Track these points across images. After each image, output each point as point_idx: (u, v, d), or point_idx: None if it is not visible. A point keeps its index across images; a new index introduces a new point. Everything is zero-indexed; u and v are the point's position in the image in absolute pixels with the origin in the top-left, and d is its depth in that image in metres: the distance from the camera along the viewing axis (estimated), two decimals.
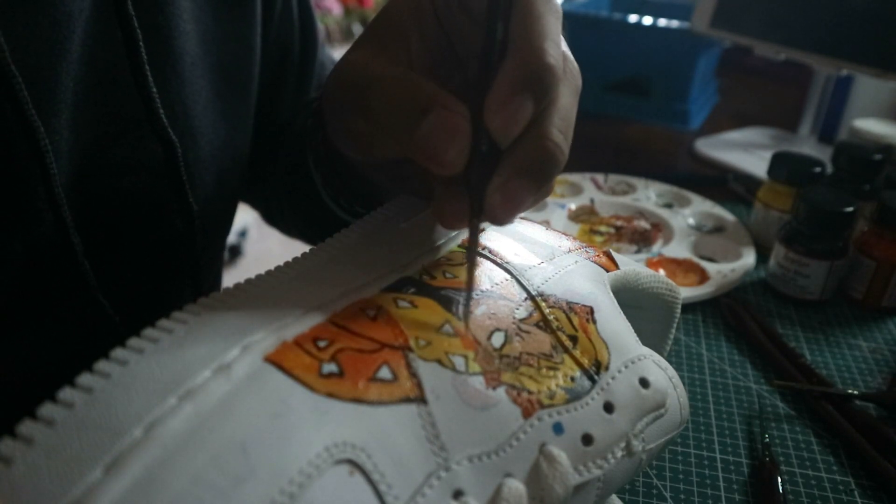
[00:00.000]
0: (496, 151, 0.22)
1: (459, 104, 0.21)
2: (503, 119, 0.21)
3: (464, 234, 0.27)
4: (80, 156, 0.31)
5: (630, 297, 0.29)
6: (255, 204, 0.53)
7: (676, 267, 0.54)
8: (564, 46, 0.24)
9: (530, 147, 0.22)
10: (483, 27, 0.22)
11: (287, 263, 0.24)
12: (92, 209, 0.32)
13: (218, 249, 0.44)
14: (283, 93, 0.46)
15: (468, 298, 0.23)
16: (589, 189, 0.67)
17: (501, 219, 0.22)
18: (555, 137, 0.22)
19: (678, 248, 0.56)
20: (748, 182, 0.70)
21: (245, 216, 0.55)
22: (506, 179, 0.21)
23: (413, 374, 0.20)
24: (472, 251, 0.23)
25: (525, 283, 0.25)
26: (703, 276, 0.52)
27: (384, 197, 0.30)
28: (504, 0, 0.22)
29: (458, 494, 0.19)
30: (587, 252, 0.29)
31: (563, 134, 0.22)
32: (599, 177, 0.69)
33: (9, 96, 0.26)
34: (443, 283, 0.24)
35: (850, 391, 0.40)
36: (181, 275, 0.38)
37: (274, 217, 0.52)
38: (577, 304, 0.25)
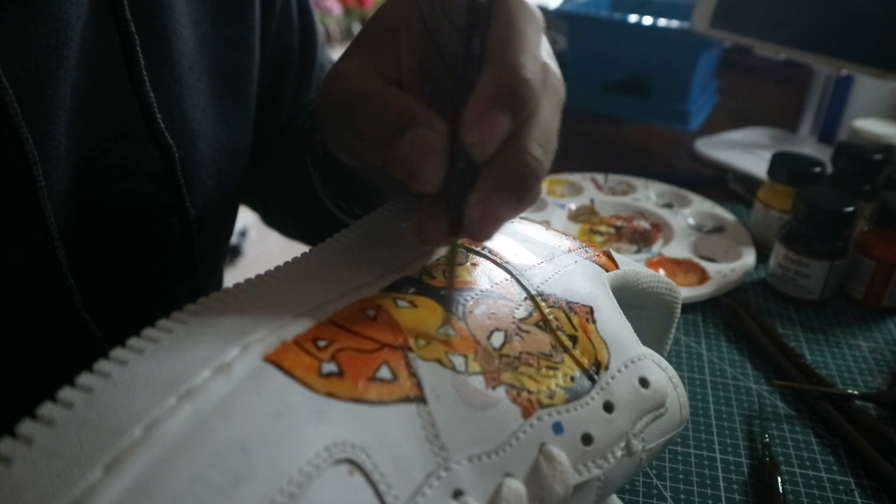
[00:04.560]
0: (475, 167, 0.21)
1: (438, 121, 0.21)
2: (479, 135, 0.20)
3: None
4: (79, 162, 0.31)
5: (630, 297, 0.29)
6: (254, 206, 0.53)
7: (676, 267, 0.54)
8: (548, 58, 0.24)
9: (509, 161, 0.21)
10: (462, 39, 0.22)
11: (287, 263, 0.24)
12: (90, 215, 0.32)
13: (219, 253, 0.44)
14: (282, 95, 0.46)
15: (451, 297, 0.23)
16: (589, 189, 0.67)
17: (481, 235, 0.22)
18: (533, 151, 0.21)
19: (678, 248, 0.56)
20: (748, 182, 0.70)
21: (245, 216, 0.55)
22: (485, 195, 0.21)
23: (413, 374, 0.20)
24: (452, 269, 0.23)
25: (525, 282, 0.25)
26: (703, 276, 0.52)
27: (383, 198, 0.30)
28: (481, 14, 0.21)
29: (457, 494, 0.19)
30: (587, 252, 0.29)
31: (543, 147, 0.22)
32: (599, 177, 0.69)
33: None
34: (443, 283, 0.24)
35: (850, 391, 0.40)
36: (179, 281, 0.38)
37: (273, 219, 0.51)
38: (576, 303, 0.25)
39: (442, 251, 0.26)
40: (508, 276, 0.25)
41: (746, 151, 0.79)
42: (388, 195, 0.31)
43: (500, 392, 0.21)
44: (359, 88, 0.23)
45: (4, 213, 0.28)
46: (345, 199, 0.36)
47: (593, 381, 0.23)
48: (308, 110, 0.42)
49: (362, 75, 0.24)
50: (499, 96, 0.20)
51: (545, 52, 0.24)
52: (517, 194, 0.22)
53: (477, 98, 0.21)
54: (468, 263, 0.25)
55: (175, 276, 0.37)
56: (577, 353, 0.24)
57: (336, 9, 2.31)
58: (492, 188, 0.21)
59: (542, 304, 0.25)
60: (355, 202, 0.36)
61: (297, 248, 0.30)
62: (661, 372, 0.25)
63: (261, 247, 1.93)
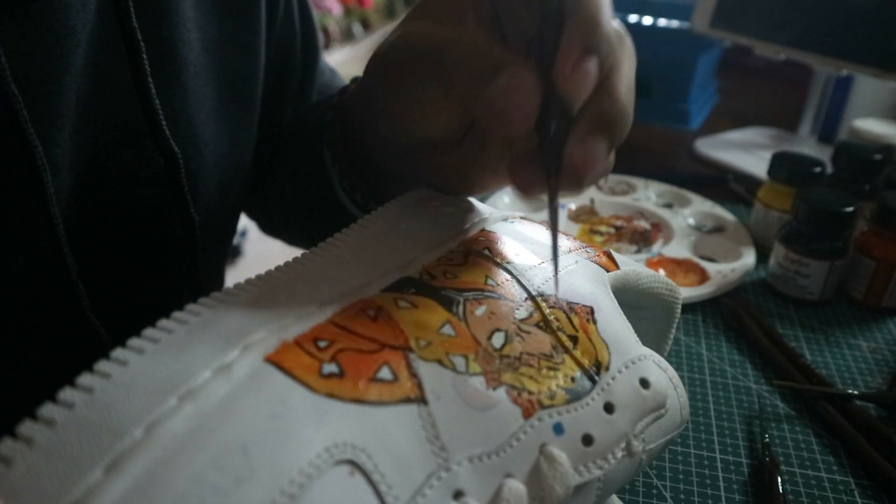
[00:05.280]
0: (567, 115, 0.23)
1: (529, 66, 0.22)
2: (574, 82, 0.21)
3: (463, 234, 0.27)
4: (82, 167, 0.30)
5: (630, 297, 0.29)
6: (252, 213, 0.52)
7: (676, 267, 0.54)
8: (617, 24, 0.25)
9: (602, 104, 0.23)
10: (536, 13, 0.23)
11: (287, 263, 0.24)
12: (93, 221, 0.32)
13: (220, 258, 0.44)
14: (284, 99, 0.46)
15: (556, 262, 0.25)
16: (589, 189, 0.67)
17: (581, 174, 0.22)
18: (623, 97, 0.23)
19: (678, 248, 0.56)
20: (748, 182, 0.70)
21: (246, 216, 0.55)
22: (582, 136, 0.22)
23: (413, 375, 0.20)
24: (553, 211, 0.24)
25: (525, 283, 0.25)
26: (703, 276, 0.52)
27: (400, 191, 0.30)
28: None
29: (458, 495, 0.19)
30: (587, 252, 0.29)
31: (628, 95, 0.23)
32: None
33: (8, 114, 0.25)
34: (443, 283, 0.24)
35: (850, 391, 0.40)
36: (182, 287, 0.38)
37: (275, 223, 0.51)
38: (577, 304, 0.25)
39: (442, 251, 0.26)
40: (509, 277, 0.25)
41: (746, 151, 0.79)
42: (406, 188, 0.31)
43: (501, 393, 0.21)
44: (449, 35, 0.24)
45: (12, 220, 0.28)
46: (363, 193, 0.36)
47: (594, 381, 0.23)
48: (324, 107, 0.42)
49: (443, 25, 0.25)
50: (588, 44, 0.22)
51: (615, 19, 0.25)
52: (612, 135, 0.23)
53: (567, 47, 0.22)
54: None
55: (178, 280, 0.37)
56: (577, 353, 0.24)
57: (336, 9, 2.31)
58: (589, 129, 0.22)
59: (543, 304, 0.25)
60: (373, 196, 0.36)
61: (297, 249, 0.30)
62: (661, 372, 0.25)
63: (261, 247, 1.93)
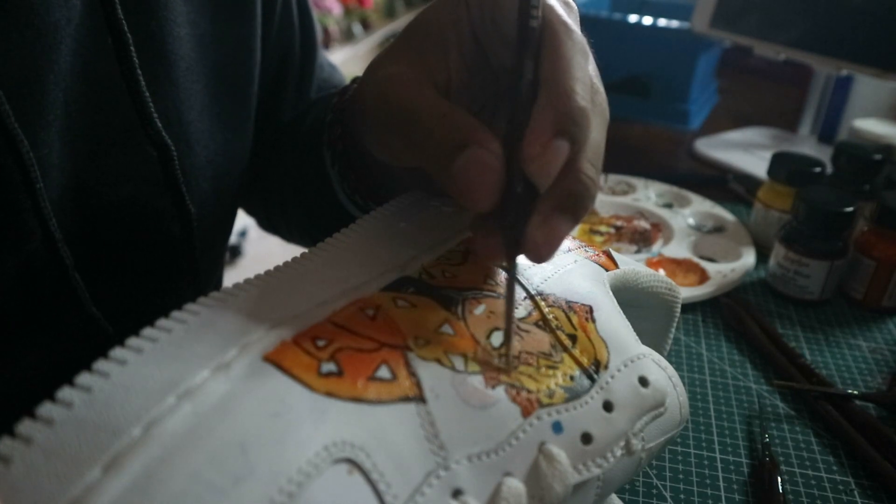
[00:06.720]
0: (530, 191, 0.22)
1: (495, 142, 0.22)
2: (541, 164, 0.21)
3: (463, 234, 0.27)
4: (74, 166, 0.30)
5: (630, 297, 0.29)
6: (251, 209, 0.52)
7: (676, 267, 0.54)
8: (595, 77, 0.24)
9: (567, 183, 0.22)
10: (513, 58, 0.22)
11: (286, 263, 0.24)
12: (88, 220, 0.32)
13: (218, 255, 0.44)
14: (283, 95, 0.46)
15: (509, 337, 0.23)
16: None
17: (543, 255, 0.22)
18: (588, 171, 0.22)
19: (678, 248, 0.56)
20: (748, 182, 0.70)
21: (246, 216, 0.55)
22: (545, 216, 0.22)
23: (412, 374, 0.20)
24: (511, 291, 0.23)
25: (524, 282, 0.25)
26: (703, 276, 0.52)
27: (402, 192, 0.30)
28: (532, 36, 0.22)
29: (457, 493, 0.19)
30: (586, 251, 0.29)
31: (595, 167, 0.23)
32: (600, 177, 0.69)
33: None
34: (442, 282, 0.24)
35: (850, 391, 0.40)
36: (181, 282, 0.38)
37: (274, 219, 0.51)
38: (576, 303, 0.25)
39: (441, 251, 0.26)
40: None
41: (746, 151, 0.79)
42: (406, 188, 0.31)
43: (500, 391, 0.21)
44: (417, 101, 0.24)
45: (2, 216, 0.28)
46: (362, 194, 0.36)
47: (593, 380, 0.23)
48: (323, 106, 0.42)
49: (417, 84, 0.24)
50: (558, 126, 0.21)
51: (593, 71, 0.24)
52: (575, 213, 0.22)
53: (537, 128, 0.21)
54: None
55: (177, 275, 0.37)
56: (576, 352, 0.24)
57: (336, 9, 2.31)
58: (552, 210, 0.22)
59: (542, 303, 0.25)
60: (372, 197, 0.36)
61: (297, 248, 0.30)
62: (660, 371, 0.25)
63: (261, 247, 1.94)
